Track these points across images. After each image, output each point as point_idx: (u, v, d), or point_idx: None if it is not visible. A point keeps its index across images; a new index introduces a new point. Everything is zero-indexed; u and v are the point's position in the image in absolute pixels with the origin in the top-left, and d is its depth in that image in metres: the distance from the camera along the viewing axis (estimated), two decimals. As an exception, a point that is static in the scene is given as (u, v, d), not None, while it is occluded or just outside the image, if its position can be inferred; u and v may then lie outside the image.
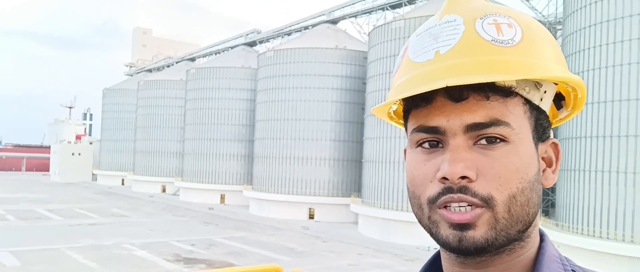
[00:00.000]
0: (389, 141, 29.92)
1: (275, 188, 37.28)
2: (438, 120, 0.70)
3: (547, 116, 0.75)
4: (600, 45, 21.32)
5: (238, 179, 45.21)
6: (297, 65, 37.33)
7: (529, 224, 0.71)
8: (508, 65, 0.67)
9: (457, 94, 0.69)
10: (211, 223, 31.41)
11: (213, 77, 46.70)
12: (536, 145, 0.73)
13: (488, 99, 0.68)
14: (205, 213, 37.07)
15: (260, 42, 53.41)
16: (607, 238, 20.57)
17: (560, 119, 0.82)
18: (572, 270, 0.73)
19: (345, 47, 37.45)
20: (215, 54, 60.24)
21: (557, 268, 0.72)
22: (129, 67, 79.00)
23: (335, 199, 35.86)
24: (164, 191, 55.07)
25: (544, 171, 0.75)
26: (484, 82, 0.66)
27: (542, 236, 0.76)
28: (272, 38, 52.34)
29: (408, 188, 0.75)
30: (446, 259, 0.77)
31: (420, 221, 0.74)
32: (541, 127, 0.74)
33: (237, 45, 54.59)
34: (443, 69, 0.68)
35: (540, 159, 0.74)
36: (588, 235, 21.16)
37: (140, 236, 24.98)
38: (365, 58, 35.53)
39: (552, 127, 0.80)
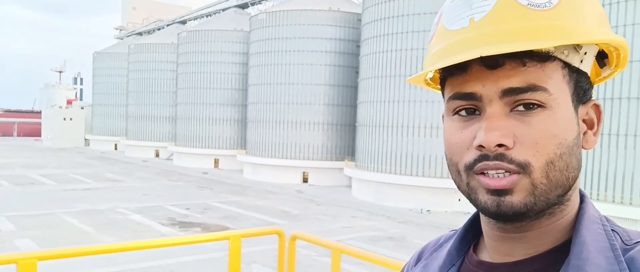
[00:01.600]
0: (382, 104, 29.91)
1: (269, 152, 37.35)
2: (474, 86, 0.70)
3: (588, 78, 0.74)
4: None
5: (232, 144, 45.24)
6: (289, 28, 36.89)
7: (568, 188, 0.71)
8: (544, 31, 0.67)
9: (492, 62, 0.68)
10: (206, 187, 31.58)
11: (205, 40, 46.15)
12: (576, 108, 0.72)
13: (524, 65, 0.68)
14: (199, 178, 37.23)
15: (253, 4, 52.61)
16: (598, 199, 20.85)
17: (604, 77, 0.79)
18: (612, 230, 0.73)
19: (338, 9, 37.00)
20: (207, 16, 59.36)
21: (597, 229, 0.72)
22: (119, 30, 77.83)
23: (329, 163, 36.03)
24: (157, 155, 55.10)
25: (585, 133, 0.74)
26: (519, 50, 0.66)
27: (582, 197, 0.76)
28: (265, 0, 51.55)
29: (446, 155, 0.75)
30: (486, 223, 0.77)
31: (459, 187, 0.74)
32: (581, 89, 0.73)
33: (229, 8, 53.75)
34: (478, 37, 0.68)
35: (581, 122, 0.73)
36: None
37: (135, 200, 25.09)
38: (359, 20, 35.16)
39: (595, 85, 0.78)
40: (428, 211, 26.77)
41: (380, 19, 30.49)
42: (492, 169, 0.68)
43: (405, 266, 0.97)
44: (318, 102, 36.45)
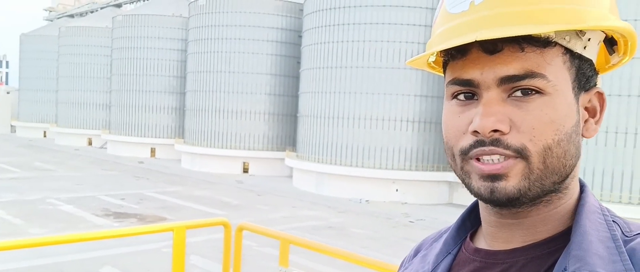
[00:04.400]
0: (323, 95, 30.09)
1: (208, 142, 36.78)
2: (472, 73, 0.69)
3: (591, 64, 0.73)
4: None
5: (169, 133, 44.16)
6: (231, 15, 36.34)
7: (566, 176, 0.70)
8: (545, 15, 0.65)
9: (491, 47, 0.68)
10: (142, 177, 30.73)
11: (141, 25, 44.65)
12: (577, 95, 0.71)
13: (523, 51, 0.67)
14: (135, 167, 36.17)
15: (192, -10, 51.29)
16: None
17: (613, 64, 0.79)
18: (613, 221, 0.72)
19: (281, -2, 36.77)
20: (144, 0, 57.42)
21: (597, 219, 0.71)
22: (48, 11, 73.96)
23: (270, 153, 35.92)
24: (90, 144, 53.01)
25: (586, 121, 0.73)
26: (518, 35, 0.65)
27: (582, 187, 0.75)
28: (205, -14, 50.39)
29: (444, 139, 0.75)
30: (484, 208, 0.78)
31: (454, 171, 0.75)
32: (584, 76, 0.72)
33: (168, -7, 52.15)
34: (477, 20, 0.67)
35: (583, 110, 0.72)
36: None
37: (66, 190, 24.07)
38: (302, 10, 35.10)
39: (603, 73, 0.78)
40: (367, 200, 27.24)
41: (322, 10, 30.55)
42: (487, 155, 0.68)
43: (404, 259, 0.96)
44: (259, 91, 36.14)
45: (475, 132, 0.68)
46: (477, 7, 0.67)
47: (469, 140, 0.69)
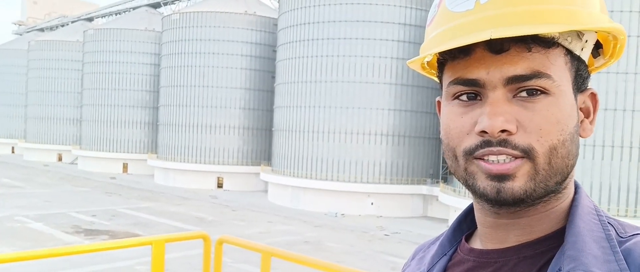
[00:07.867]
0: (298, 109, 30.12)
1: (181, 157, 36.39)
2: (477, 72, 0.68)
3: (586, 66, 0.73)
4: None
5: (142, 148, 43.57)
6: (204, 29, 36.24)
7: (567, 176, 0.70)
8: (552, 15, 0.66)
9: (498, 46, 0.67)
10: (114, 193, 30.19)
11: (114, 39, 44.20)
12: (575, 96, 0.71)
13: (530, 51, 0.67)
14: (107, 183, 35.53)
15: (165, 4, 51.13)
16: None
17: (596, 67, 0.80)
18: (609, 222, 0.72)
19: (255, 12, 36.87)
20: (116, 14, 56.86)
21: (591, 219, 0.71)
22: (18, 25, 72.63)
23: (244, 168, 35.71)
24: (60, 159, 51.92)
25: (581, 121, 0.73)
26: (527, 34, 0.64)
27: (576, 188, 0.75)
28: (178, 0, 50.30)
29: (443, 140, 0.73)
30: (479, 210, 0.76)
31: (454, 173, 0.73)
32: (581, 77, 0.72)
33: (140, 6, 51.87)
34: (484, 19, 0.66)
35: (579, 110, 0.72)
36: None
37: (35, 207, 23.48)
38: (275, 25, 35.22)
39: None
40: (342, 214, 27.23)
41: (296, 25, 30.72)
42: (495, 155, 0.66)
43: (404, 264, 0.96)
44: (234, 105, 35.99)
45: (482, 132, 0.67)
46: (484, 6, 0.67)
47: (474, 140, 0.68)
